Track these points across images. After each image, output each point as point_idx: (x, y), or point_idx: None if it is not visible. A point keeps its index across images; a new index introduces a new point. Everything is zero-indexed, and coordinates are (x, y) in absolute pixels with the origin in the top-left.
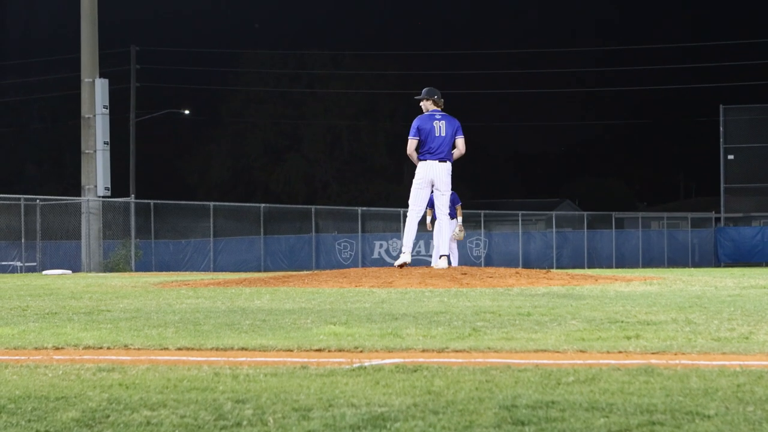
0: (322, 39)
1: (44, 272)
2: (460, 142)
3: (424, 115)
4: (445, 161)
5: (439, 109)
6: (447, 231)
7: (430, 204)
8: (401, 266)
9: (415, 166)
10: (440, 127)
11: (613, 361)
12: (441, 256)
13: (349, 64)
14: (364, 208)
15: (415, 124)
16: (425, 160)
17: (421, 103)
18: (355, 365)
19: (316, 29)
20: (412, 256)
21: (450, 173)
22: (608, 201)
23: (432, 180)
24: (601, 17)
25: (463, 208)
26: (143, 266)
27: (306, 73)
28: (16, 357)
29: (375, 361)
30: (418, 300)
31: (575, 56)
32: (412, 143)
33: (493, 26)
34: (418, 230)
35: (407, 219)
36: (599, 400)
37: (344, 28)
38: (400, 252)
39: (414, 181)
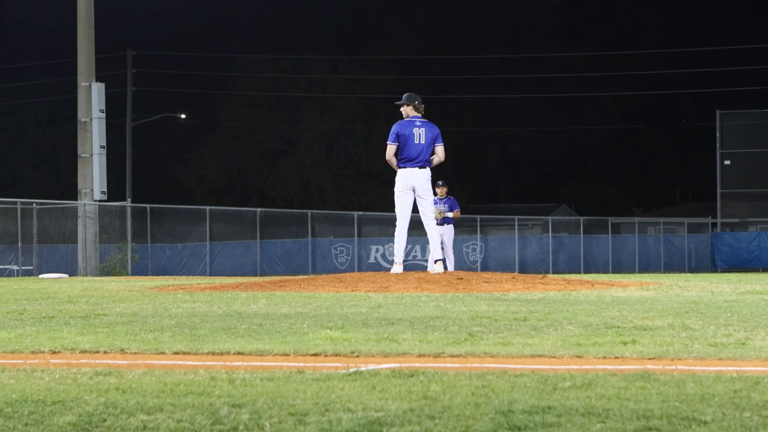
0: (319, 43)
1: (41, 276)
2: (440, 149)
3: (403, 121)
4: (425, 168)
5: (420, 115)
6: (439, 236)
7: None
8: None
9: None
10: (420, 134)
11: (609, 367)
12: (436, 261)
13: (346, 68)
14: (360, 213)
15: (394, 129)
16: (405, 167)
17: (402, 109)
18: (351, 370)
19: (313, 33)
20: (407, 260)
21: (429, 179)
22: (604, 206)
23: (413, 186)
24: (598, 21)
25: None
26: (139, 270)
27: (302, 77)
28: (13, 361)
29: (371, 366)
30: (414, 305)
31: (571, 60)
32: (390, 149)
33: (489, 30)
34: (417, 234)
35: (396, 229)
36: (596, 405)
37: (341, 32)
38: (393, 263)
39: (395, 189)
